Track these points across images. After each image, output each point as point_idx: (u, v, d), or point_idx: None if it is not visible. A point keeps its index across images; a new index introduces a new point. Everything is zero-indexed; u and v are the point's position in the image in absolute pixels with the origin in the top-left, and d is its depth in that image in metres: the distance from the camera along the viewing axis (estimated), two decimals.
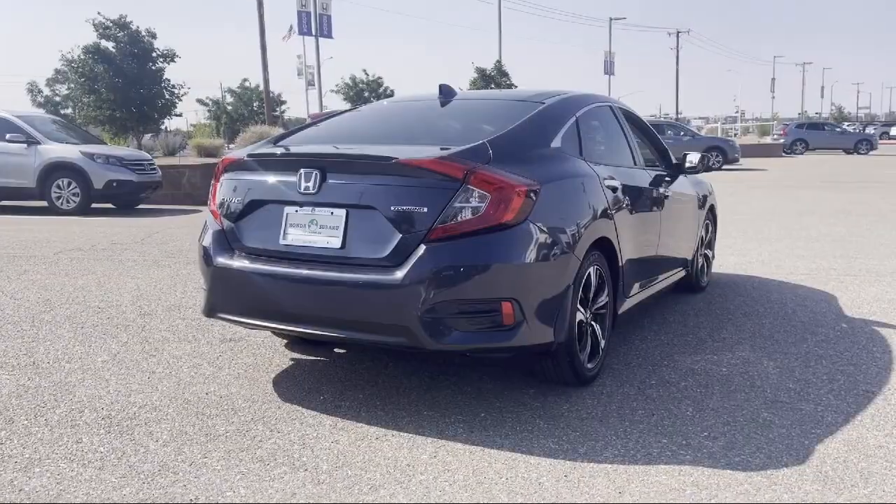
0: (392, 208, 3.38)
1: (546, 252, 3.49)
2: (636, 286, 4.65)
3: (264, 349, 4.68)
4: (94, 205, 13.44)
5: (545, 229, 3.50)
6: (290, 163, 3.72)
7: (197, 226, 10.85)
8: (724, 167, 25.92)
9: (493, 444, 3.28)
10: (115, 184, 13.19)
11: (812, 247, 8.83)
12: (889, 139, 50.20)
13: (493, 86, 38.29)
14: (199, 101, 50.68)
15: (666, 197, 5.19)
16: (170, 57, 24.57)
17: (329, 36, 25.75)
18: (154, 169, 14.13)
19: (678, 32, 62.95)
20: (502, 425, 3.48)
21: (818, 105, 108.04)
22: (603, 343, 4.09)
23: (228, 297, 3.81)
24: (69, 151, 13.23)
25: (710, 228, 6.64)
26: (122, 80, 24.04)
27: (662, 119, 44.18)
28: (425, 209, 3.33)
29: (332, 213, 3.54)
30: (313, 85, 45.60)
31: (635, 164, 5.01)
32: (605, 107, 4.89)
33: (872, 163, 29.87)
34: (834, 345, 4.79)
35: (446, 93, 4.58)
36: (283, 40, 38.81)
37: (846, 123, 51.87)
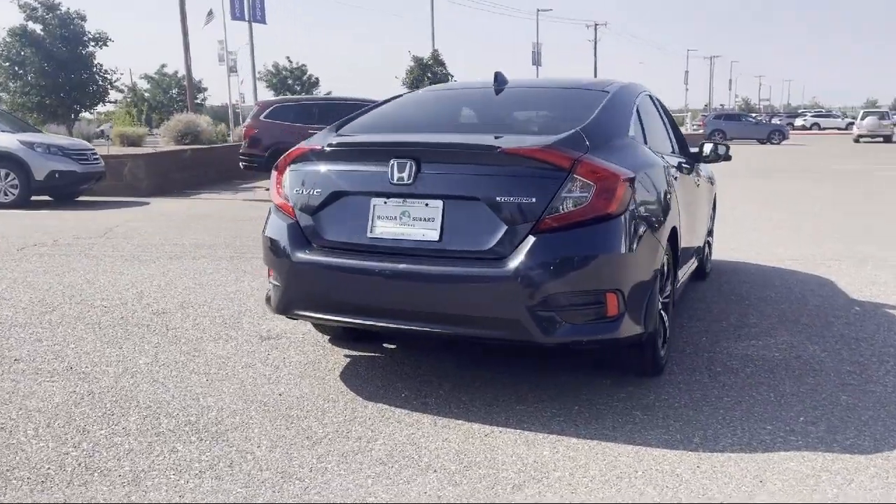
0: (497, 199, 3.30)
1: (642, 242, 3.48)
2: (681, 273, 4.71)
3: (310, 346, 4.51)
4: (32, 197, 12.67)
5: (641, 219, 3.49)
6: (379, 153, 3.58)
7: (156, 219, 10.47)
8: None
9: (606, 436, 3.25)
10: (57, 175, 12.49)
11: (779, 234, 9.16)
12: (794, 129, 52.59)
13: (429, 75, 38.14)
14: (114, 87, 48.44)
15: (697, 185, 5.27)
16: (102, 41, 23.38)
17: (262, 21, 25.05)
18: (97, 159, 13.46)
19: (595, 25, 64.31)
20: (602, 418, 3.46)
21: (726, 97, 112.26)
22: (668, 331, 4.12)
23: (308, 293, 3.65)
24: (7, 141, 12.44)
25: (712, 216, 6.79)
26: (50, 64, 22.72)
27: None
28: (533, 199, 3.26)
29: (426, 204, 3.42)
30: (235, 71, 44.33)
31: (673, 151, 5.07)
32: (647, 95, 4.92)
33: (786, 151, 31.28)
34: (861, 327, 4.97)
35: (501, 80, 4.50)
36: (203, 26, 37.62)
37: (753, 115, 53.88)
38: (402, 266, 3.38)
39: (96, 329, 4.89)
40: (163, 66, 48.66)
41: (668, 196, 3.97)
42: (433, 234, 3.40)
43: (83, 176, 12.95)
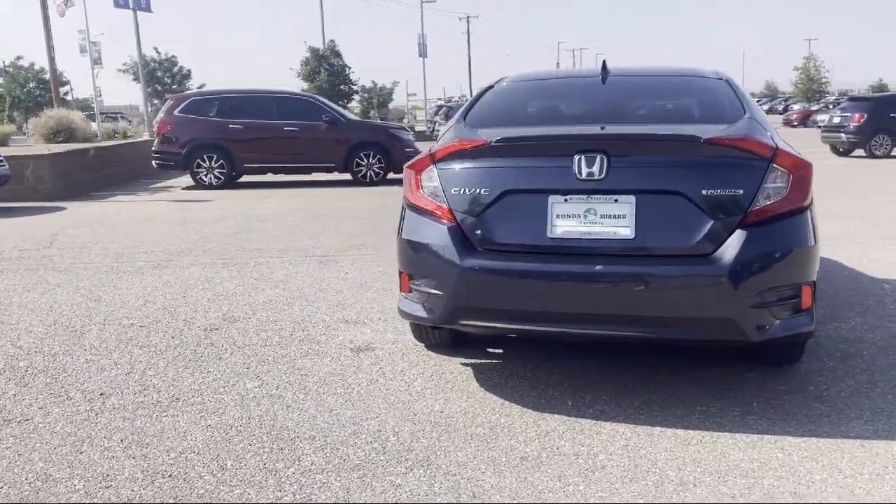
0: (701, 192, 3.16)
1: (818, 230, 3.44)
2: None
3: (413, 355, 4.23)
4: None
5: (813, 209, 3.45)
6: (560, 147, 3.34)
7: (94, 226, 9.58)
8: None
9: (810, 432, 3.20)
10: None
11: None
12: None
13: (325, 66, 37.07)
14: None
15: None
16: None
17: (147, 9, 23.48)
18: (2, 162, 12.17)
19: (468, 17, 65.10)
20: (784, 412, 3.40)
21: None
22: None
23: (481, 300, 3.37)
24: None
25: None
26: None
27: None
28: (740, 191, 3.15)
29: (615, 200, 3.24)
30: (100, 63, 41.57)
31: None
32: None
33: None
34: None
35: (606, 69, 4.33)
36: (59, 15, 34.95)
37: None
38: (597, 268, 3.18)
39: (156, 352, 4.38)
40: (18, 58, 44.88)
41: None
42: (626, 232, 3.22)
43: None
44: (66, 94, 44.51)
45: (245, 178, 15.17)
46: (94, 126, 23.19)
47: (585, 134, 3.45)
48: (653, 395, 3.60)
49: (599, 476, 2.83)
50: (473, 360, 4.14)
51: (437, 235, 3.44)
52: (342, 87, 37.53)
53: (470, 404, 3.52)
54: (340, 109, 16.90)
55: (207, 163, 14.69)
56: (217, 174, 14.72)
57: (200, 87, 53.66)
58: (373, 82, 42.53)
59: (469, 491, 2.73)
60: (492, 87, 4.44)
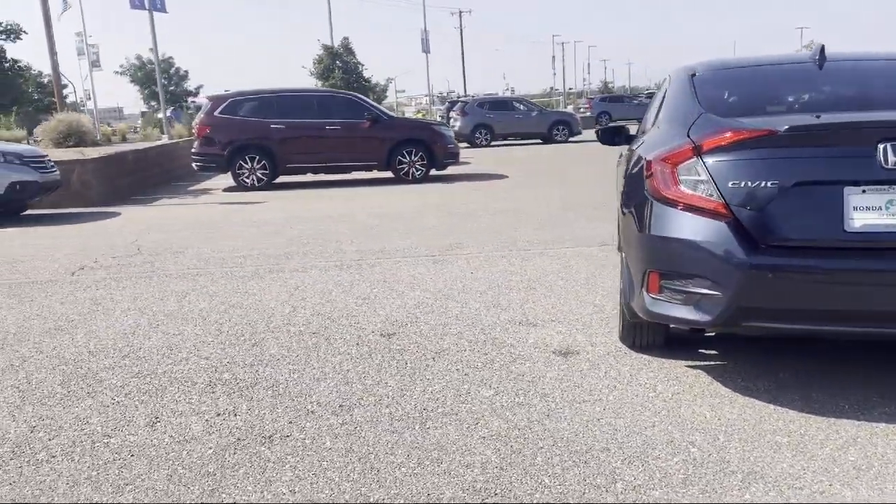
0: None
1: None
2: None
3: (633, 359, 4.08)
4: None
5: None
6: (859, 135, 3.19)
7: (161, 230, 9.39)
8: (570, 139, 27.08)
9: None
10: (18, 186, 10.92)
11: None
12: None
13: (338, 63, 36.74)
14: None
15: None
16: (14, 33, 20.65)
17: (163, 10, 23.12)
18: (53, 167, 11.88)
19: (461, 12, 64.89)
20: None
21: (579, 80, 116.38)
22: None
23: (769, 300, 3.21)
24: None
25: None
26: None
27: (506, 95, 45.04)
28: None
29: None
30: (98, 66, 41.11)
31: None
32: None
33: None
34: None
35: (824, 55, 4.19)
36: (59, 16, 34.45)
37: (637, 97, 55.34)
38: None
39: (352, 359, 4.22)
40: (16, 62, 44.03)
41: None
42: None
43: (43, 186, 11.41)
44: (66, 97, 43.82)
45: (280, 179, 14.92)
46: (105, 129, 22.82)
47: (889, 121, 3.29)
48: None
49: None
50: (699, 362, 3.99)
51: (710, 232, 3.28)
52: (356, 84, 37.19)
53: (738, 410, 3.37)
54: (380, 107, 16.71)
55: (250, 164, 14.46)
56: (259, 175, 14.49)
57: (198, 87, 53.22)
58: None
59: None
60: (693, 75, 4.25)
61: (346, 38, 38.11)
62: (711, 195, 3.31)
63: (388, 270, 6.57)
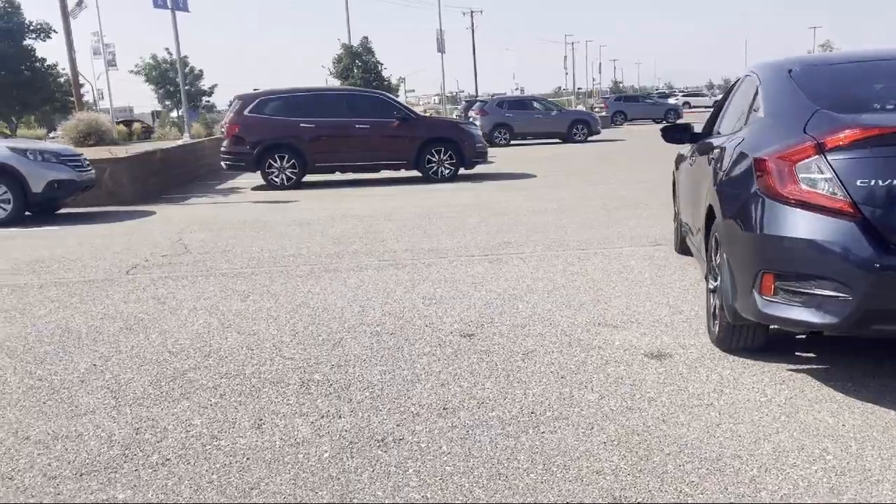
0: None
1: None
2: None
3: (730, 362, 4.00)
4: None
5: None
6: None
7: (203, 229, 9.33)
8: (589, 139, 26.94)
9: None
10: (56, 185, 10.86)
11: None
12: (690, 109, 53.99)
13: (357, 63, 36.64)
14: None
15: None
16: (45, 32, 20.58)
17: (185, 9, 23.08)
18: (89, 165, 11.83)
19: (472, 12, 64.76)
20: None
21: (589, 80, 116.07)
22: None
23: None
24: None
25: None
26: None
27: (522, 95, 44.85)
28: None
29: None
30: (115, 65, 41.15)
31: None
32: None
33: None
34: None
35: None
36: (72, 17, 34.46)
37: (650, 96, 54.94)
38: None
39: (439, 360, 4.14)
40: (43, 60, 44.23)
41: None
42: None
43: (79, 185, 11.36)
44: (81, 96, 43.86)
45: (306, 178, 14.85)
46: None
47: None
48: None
49: None
50: (799, 366, 3.90)
51: (835, 231, 3.19)
52: (375, 83, 37.15)
53: (860, 416, 3.27)
54: (409, 106, 16.64)
55: (279, 163, 14.41)
56: (288, 174, 14.43)
57: (212, 87, 53.25)
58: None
59: None
60: (790, 71, 4.15)
61: (365, 38, 38.17)
62: (836, 193, 3.22)
63: (446, 270, 6.49)
